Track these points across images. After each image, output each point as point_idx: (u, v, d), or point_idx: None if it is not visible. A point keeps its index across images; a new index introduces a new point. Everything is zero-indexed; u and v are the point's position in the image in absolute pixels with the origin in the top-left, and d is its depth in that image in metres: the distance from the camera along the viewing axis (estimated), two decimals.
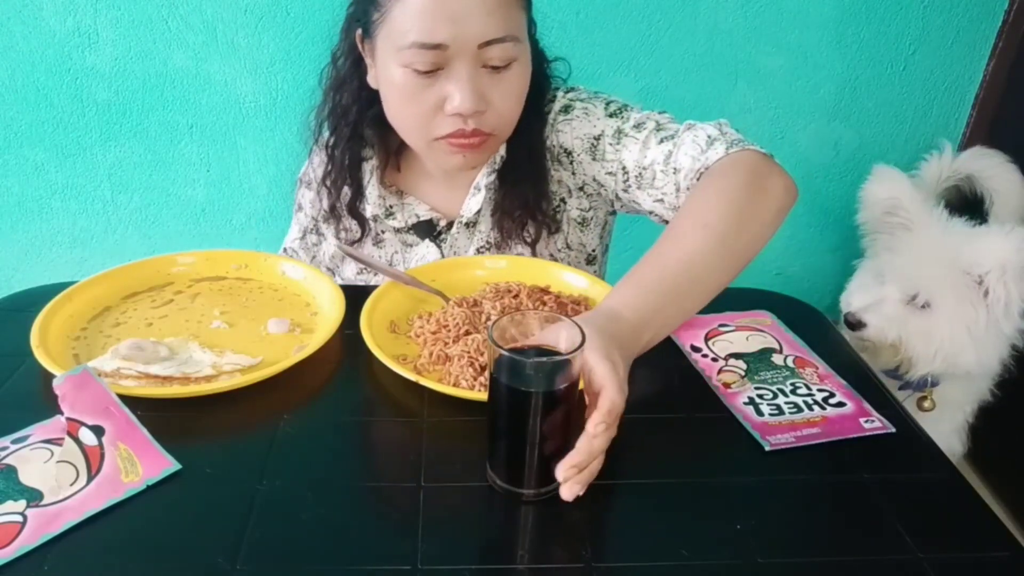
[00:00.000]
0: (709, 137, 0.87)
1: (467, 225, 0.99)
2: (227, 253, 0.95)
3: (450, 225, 1.00)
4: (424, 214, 1.00)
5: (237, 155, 1.62)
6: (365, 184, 0.98)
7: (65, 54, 1.49)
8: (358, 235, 1.01)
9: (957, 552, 0.57)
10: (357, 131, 0.96)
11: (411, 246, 1.02)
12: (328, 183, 0.98)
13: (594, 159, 0.95)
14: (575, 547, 0.56)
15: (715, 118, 1.59)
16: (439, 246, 1.00)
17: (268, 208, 1.68)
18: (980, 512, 0.62)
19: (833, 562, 0.57)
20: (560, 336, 0.59)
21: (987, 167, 1.45)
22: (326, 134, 0.98)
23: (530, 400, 0.57)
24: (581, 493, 0.58)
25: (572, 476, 0.57)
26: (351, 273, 1.06)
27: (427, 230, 1.01)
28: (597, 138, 0.94)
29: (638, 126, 0.92)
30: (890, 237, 1.29)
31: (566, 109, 0.96)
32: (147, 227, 1.69)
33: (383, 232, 1.02)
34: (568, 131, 0.95)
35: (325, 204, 1.00)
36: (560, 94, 0.97)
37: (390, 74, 0.84)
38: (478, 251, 1.00)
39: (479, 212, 0.98)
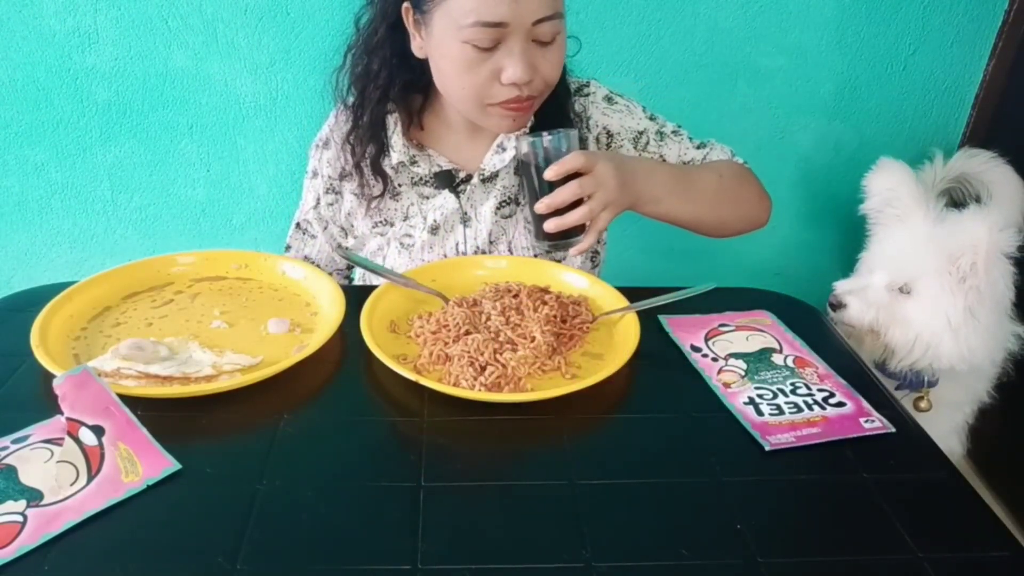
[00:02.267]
0: (732, 153, 1.10)
1: (485, 179, 1.03)
2: (227, 253, 0.95)
3: (469, 177, 1.04)
4: (445, 166, 1.04)
5: (237, 155, 1.62)
6: (390, 135, 1.02)
7: (65, 54, 1.49)
8: (379, 191, 1.04)
9: (957, 552, 0.57)
10: (386, 95, 1.00)
11: (428, 198, 1.05)
12: (352, 140, 1.02)
13: (635, 148, 1.06)
14: (575, 547, 0.56)
15: (715, 118, 1.59)
16: (458, 197, 1.04)
17: (268, 208, 1.68)
18: (980, 512, 0.62)
19: (833, 562, 0.57)
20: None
21: (978, 164, 1.46)
22: (350, 92, 1.02)
23: (539, 170, 0.87)
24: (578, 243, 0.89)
25: (548, 211, 0.87)
26: (366, 228, 1.08)
27: (447, 180, 1.04)
28: (641, 132, 1.06)
29: (675, 132, 1.08)
30: (885, 228, 1.29)
31: (609, 99, 1.06)
32: (147, 227, 1.69)
33: (400, 186, 1.05)
34: (615, 117, 1.06)
35: (349, 161, 1.03)
36: (595, 83, 1.07)
37: (448, 48, 0.89)
38: (499, 205, 1.04)
39: (500, 168, 1.03)
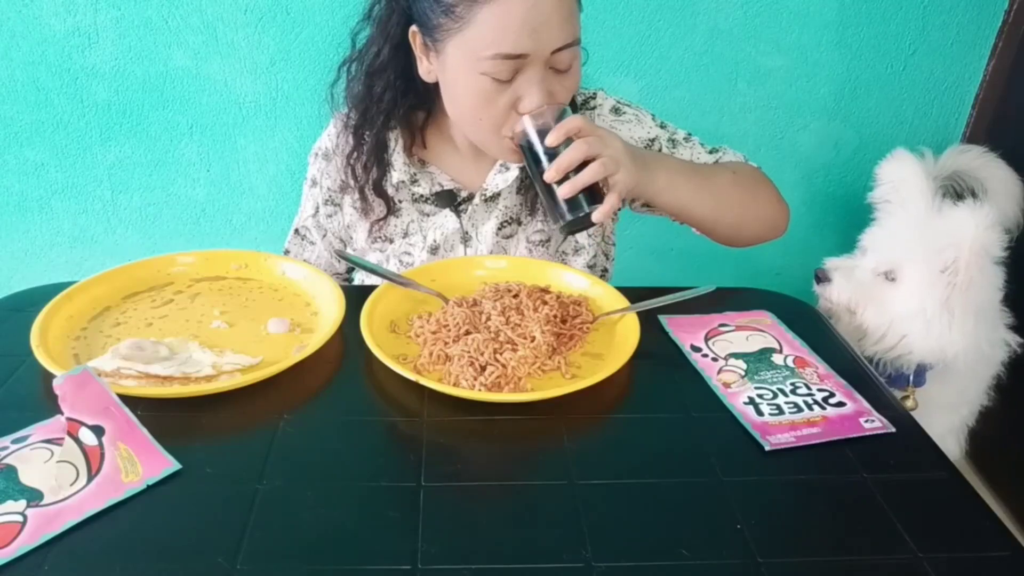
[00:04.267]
0: (746, 158, 1.06)
1: (487, 199, 1.02)
2: (227, 253, 0.95)
3: (471, 197, 1.03)
4: (447, 184, 1.03)
5: (237, 155, 1.62)
6: (391, 152, 1.00)
7: (65, 54, 1.49)
8: (381, 213, 1.03)
9: (957, 552, 0.58)
10: (390, 116, 0.98)
11: (428, 215, 1.04)
12: (353, 161, 1.00)
13: None
14: (575, 547, 0.56)
15: (715, 118, 1.59)
16: (459, 216, 1.03)
17: (268, 208, 1.68)
18: (980, 512, 0.62)
19: (833, 562, 0.57)
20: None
21: (969, 159, 1.47)
22: (351, 113, 1.00)
23: (542, 146, 0.84)
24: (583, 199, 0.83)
25: (557, 178, 0.82)
26: (365, 244, 1.07)
27: (448, 199, 1.03)
28: (652, 140, 1.02)
29: (687, 138, 1.04)
30: (887, 216, 1.30)
31: (616, 111, 1.03)
32: (147, 227, 1.69)
33: (401, 202, 1.04)
34: (622, 129, 1.02)
35: (351, 183, 1.02)
36: (601, 95, 1.04)
37: (464, 79, 0.87)
38: (500, 225, 1.02)
39: (503, 188, 1.01)
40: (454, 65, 0.87)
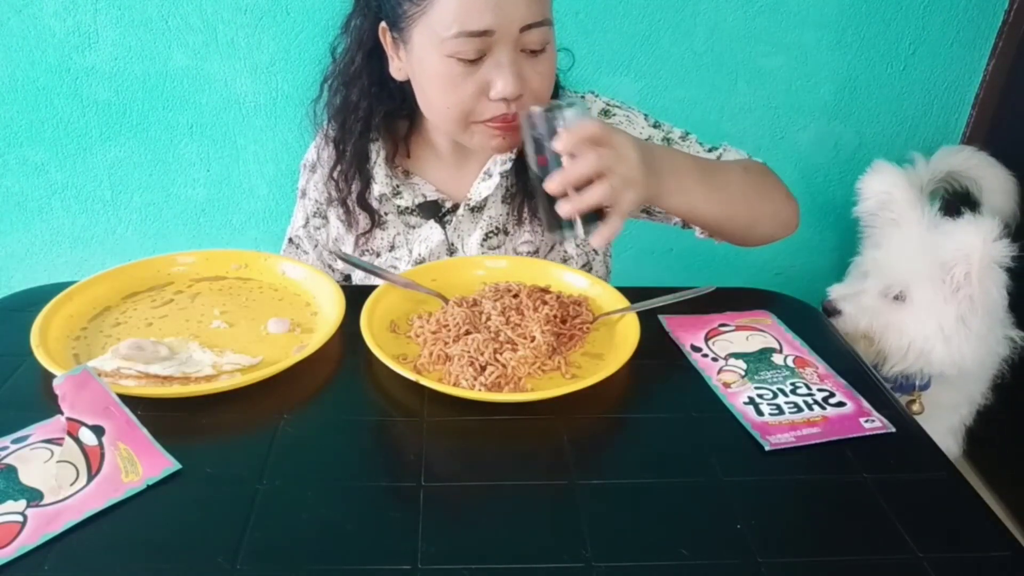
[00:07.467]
0: (749, 156, 1.00)
1: (473, 209, 1.01)
2: (227, 253, 0.95)
3: (456, 207, 1.02)
4: (431, 195, 1.02)
5: (237, 155, 1.62)
6: (372, 163, 0.99)
7: (65, 54, 1.49)
8: (366, 227, 1.02)
9: (957, 552, 0.57)
10: (368, 126, 0.97)
11: (414, 227, 1.03)
12: (335, 175, 1.00)
13: None
14: (575, 547, 0.56)
15: (715, 118, 1.58)
16: (444, 227, 1.01)
17: (268, 208, 1.68)
18: (980, 512, 0.62)
19: (833, 562, 0.57)
20: None
21: (962, 160, 1.48)
22: (331, 125, 0.99)
23: (547, 146, 0.76)
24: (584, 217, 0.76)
25: (560, 192, 0.74)
26: (355, 251, 1.06)
27: (432, 211, 1.02)
28: (646, 140, 0.97)
29: (683, 137, 1.00)
30: (879, 232, 1.30)
31: (606, 112, 1.00)
32: (147, 227, 1.69)
33: (386, 214, 1.03)
34: None
35: (334, 196, 1.02)
36: (591, 96, 1.01)
37: (430, 64, 0.86)
38: (486, 235, 1.01)
39: (487, 197, 0.99)
40: (420, 52, 0.86)
